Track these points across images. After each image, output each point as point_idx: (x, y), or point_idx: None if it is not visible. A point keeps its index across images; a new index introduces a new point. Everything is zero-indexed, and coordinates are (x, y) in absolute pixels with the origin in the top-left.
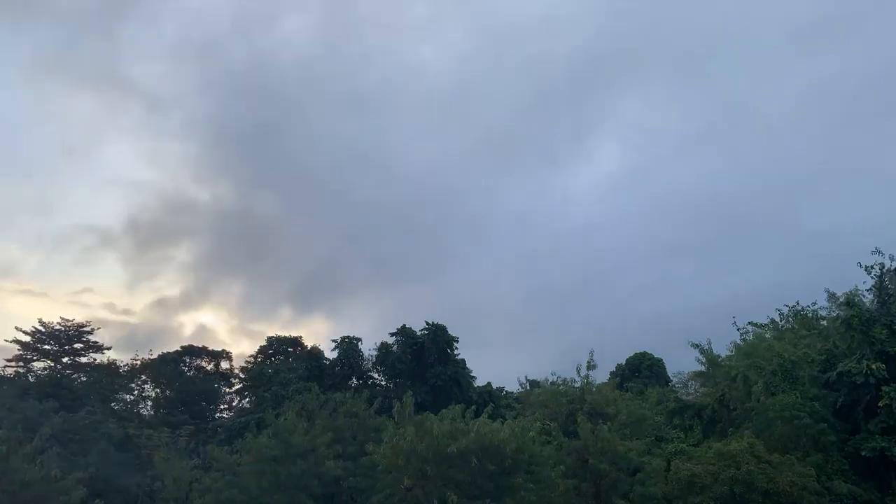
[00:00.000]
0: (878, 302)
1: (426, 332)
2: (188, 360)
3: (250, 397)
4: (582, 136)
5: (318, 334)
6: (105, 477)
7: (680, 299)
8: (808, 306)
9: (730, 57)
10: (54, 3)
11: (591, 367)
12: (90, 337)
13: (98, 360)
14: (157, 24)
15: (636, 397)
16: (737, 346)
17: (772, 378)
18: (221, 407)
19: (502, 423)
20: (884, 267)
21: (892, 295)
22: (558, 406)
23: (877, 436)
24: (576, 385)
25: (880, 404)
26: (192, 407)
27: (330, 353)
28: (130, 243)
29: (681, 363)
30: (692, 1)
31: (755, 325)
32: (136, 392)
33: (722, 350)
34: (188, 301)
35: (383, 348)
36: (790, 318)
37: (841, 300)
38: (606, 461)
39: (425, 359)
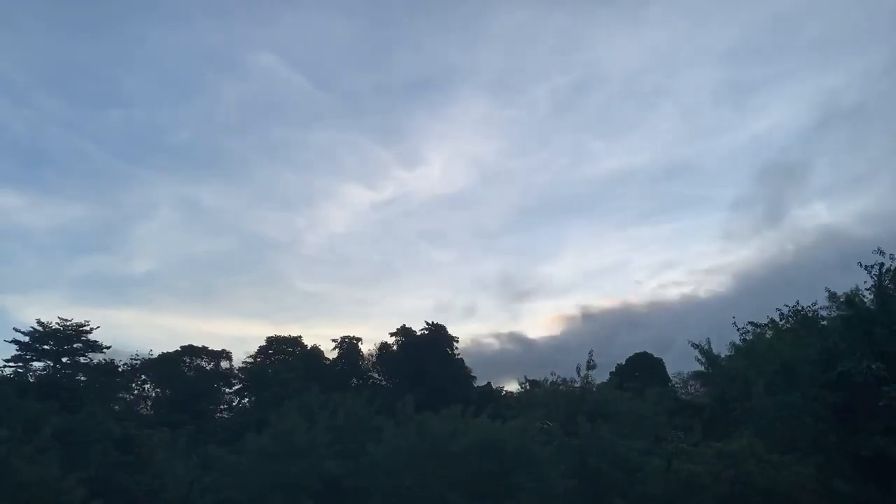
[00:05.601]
0: (877, 302)
1: (426, 332)
2: (188, 360)
3: (250, 397)
4: None
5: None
6: (105, 477)
7: None
8: (809, 306)
9: None
10: None
11: (590, 367)
12: (89, 336)
13: (97, 360)
14: None
15: (636, 397)
16: (736, 346)
17: (772, 378)
18: (221, 407)
19: (502, 423)
20: (882, 266)
21: (891, 295)
22: (558, 406)
23: (877, 436)
24: (575, 385)
25: (880, 404)
26: (192, 407)
27: (330, 353)
28: None
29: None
30: None
31: (755, 325)
32: (136, 392)
33: (722, 349)
34: None
35: (383, 348)
36: (790, 318)
37: (841, 300)
38: (606, 461)
39: (425, 359)
